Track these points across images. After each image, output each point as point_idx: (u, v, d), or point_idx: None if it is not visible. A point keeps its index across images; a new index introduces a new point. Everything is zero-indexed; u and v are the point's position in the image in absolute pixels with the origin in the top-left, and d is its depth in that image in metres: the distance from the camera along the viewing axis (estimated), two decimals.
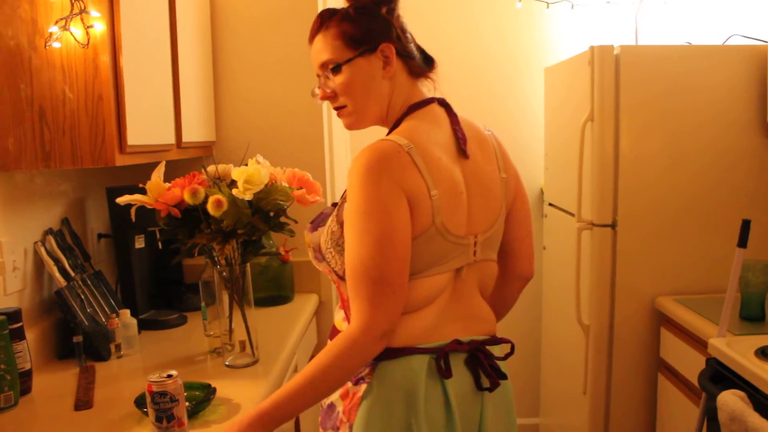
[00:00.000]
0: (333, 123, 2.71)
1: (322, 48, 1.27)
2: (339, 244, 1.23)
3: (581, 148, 2.58)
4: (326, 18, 1.27)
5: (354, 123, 1.31)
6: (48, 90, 1.62)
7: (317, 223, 1.31)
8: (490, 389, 1.26)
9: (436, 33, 3.32)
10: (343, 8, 1.27)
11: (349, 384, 1.24)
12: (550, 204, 3.17)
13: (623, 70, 2.45)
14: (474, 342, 1.27)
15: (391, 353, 1.19)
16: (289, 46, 2.53)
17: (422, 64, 1.33)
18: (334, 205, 1.29)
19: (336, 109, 1.32)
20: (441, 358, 1.21)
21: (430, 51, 1.36)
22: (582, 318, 2.64)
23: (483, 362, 1.25)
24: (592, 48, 2.49)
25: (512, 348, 1.36)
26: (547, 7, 3.31)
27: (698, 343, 2.17)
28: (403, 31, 1.30)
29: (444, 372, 1.20)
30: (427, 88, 1.35)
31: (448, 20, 3.39)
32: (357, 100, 1.28)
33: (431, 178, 1.17)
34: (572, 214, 2.75)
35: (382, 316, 1.12)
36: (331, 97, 1.30)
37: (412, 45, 1.32)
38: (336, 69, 1.25)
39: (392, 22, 1.27)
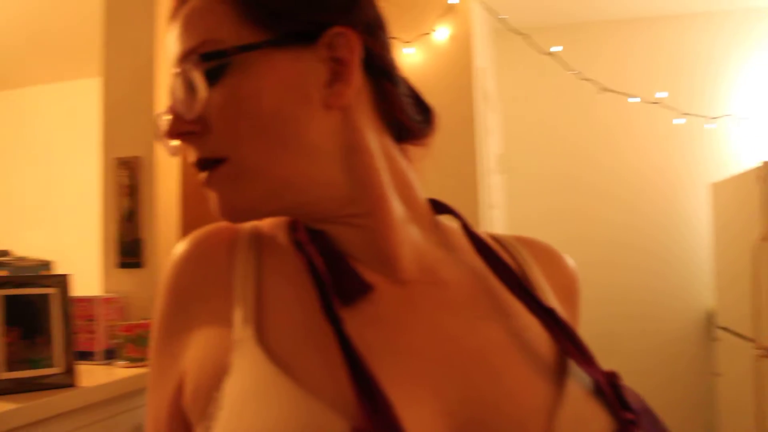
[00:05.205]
0: None
1: (189, 24, 0.54)
2: None
3: (755, 268, 2.41)
4: None
5: (240, 201, 0.54)
6: None
7: None
8: None
9: (594, 147, 3.26)
10: None
11: None
12: (724, 328, 2.95)
13: None
14: None
15: None
16: None
17: (416, 117, 0.60)
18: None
19: (199, 164, 0.55)
20: None
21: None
22: None
23: None
24: (765, 163, 2.37)
25: None
26: (708, 122, 3.23)
27: None
28: (381, 26, 0.58)
29: None
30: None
31: (607, 133, 3.32)
32: (256, 143, 0.53)
33: None
34: (750, 339, 2.54)
35: None
36: (194, 130, 0.53)
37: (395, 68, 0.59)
38: (214, 60, 0.52)
39: None
